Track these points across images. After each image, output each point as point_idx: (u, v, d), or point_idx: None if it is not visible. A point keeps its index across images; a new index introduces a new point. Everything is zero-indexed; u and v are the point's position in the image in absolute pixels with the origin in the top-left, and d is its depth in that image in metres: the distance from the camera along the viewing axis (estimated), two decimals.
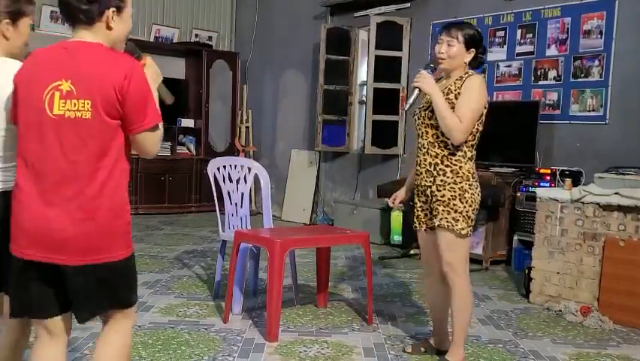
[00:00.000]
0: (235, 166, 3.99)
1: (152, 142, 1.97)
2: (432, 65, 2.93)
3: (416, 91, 2.89)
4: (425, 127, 2.94)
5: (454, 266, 2.91)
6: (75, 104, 1.85)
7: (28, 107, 1.91)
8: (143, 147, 1.97)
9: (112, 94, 1.84)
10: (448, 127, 2.79)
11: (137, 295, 2.13)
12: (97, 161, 1.88)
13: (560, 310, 4.03)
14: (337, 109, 7.49)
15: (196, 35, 8.94)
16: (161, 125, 1.98)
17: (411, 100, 2.92)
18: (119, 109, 1.86)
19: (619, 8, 5.20)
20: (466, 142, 2.87)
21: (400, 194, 3.25)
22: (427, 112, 2.92)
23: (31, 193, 1.90)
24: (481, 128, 2.91)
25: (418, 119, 2.98)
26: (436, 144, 2.90)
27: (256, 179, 3.94)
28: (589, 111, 5.37)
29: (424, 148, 2.95)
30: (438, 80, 2.98)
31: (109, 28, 1.92)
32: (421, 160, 2.97)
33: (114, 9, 1.92)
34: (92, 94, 1.84)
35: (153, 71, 2.07)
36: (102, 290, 1.96)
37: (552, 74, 5.62)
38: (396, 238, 4.14)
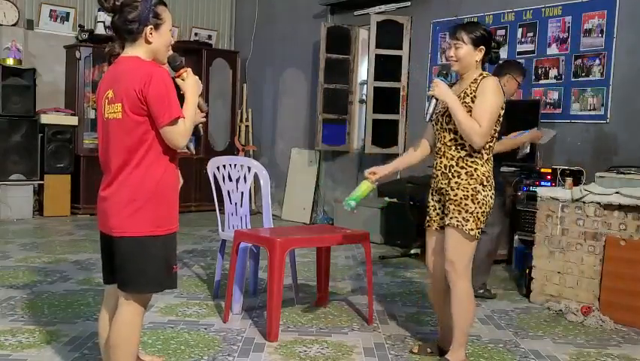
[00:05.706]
0: (235, 165, 3.98)
1: (175, 134, 2.27)
2: (444, 72, 2.95)
3: (433, 100, 2.91)
4: (443, 131, 2.96)
5: (456, 266, 2.89)
6: (113, 107, 2.27)
7: (98, 112, 2.39)
8: (168, 139, 2.28)
9: (134, 95, 2.21)
10: (467, 132, 2.80)
11: (139, 286, 2.33)
12: (127, 153, 2.27)
13: (561, 310, 4.02)
14: (337, 108, 7.47)
15: (195, 34, 8.92)
16: (182, 121, 2.27)
17: (430, 109, 2.94)
18: (144, 108, 2.23)
19: (620, 7, 5.18)
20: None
21: (381, 170, 3.17)
22: (444, 117, 2.94)
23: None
24: (498, 129, 2.92)
25: (436, 124, 3.00)
26: (452, 146, 2.91)
27: (256, 178, 3.93)
28: (590, 110, 5.36)
29: (441, 151, 2.96)
30: (452, 85, 2.99)
31: (148, 42, 2.32)
32: (437, 163, 2.99)
33: (152, 27, 2.31)
34: (121, 98, 2.24)
35: (194, 81, 2.44)
36: (110, 261, 2.39)
37: (553, 73, 5.61)
38: (352, 202, 3.51)
